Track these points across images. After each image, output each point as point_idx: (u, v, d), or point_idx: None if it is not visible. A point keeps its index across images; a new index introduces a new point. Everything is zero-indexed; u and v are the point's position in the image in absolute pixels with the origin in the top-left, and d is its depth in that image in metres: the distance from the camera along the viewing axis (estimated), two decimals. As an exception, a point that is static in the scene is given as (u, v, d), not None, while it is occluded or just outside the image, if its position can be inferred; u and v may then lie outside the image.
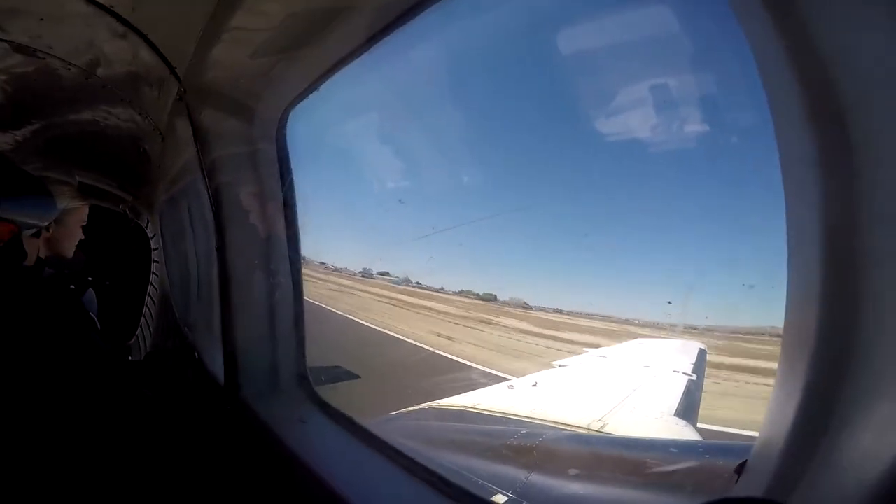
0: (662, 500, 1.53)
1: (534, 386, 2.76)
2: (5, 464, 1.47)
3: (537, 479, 1.70)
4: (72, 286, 2.50)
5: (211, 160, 1.74)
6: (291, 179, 1.77)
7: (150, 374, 2.42)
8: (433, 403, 2.54)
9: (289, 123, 1.70)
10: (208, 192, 1.77)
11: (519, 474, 1.73)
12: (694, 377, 2.59)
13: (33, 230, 1.86)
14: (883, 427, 0.53)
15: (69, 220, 2.19)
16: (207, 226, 1.92)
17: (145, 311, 3.77)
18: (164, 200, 2.97)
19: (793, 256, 0.66)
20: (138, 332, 3.77)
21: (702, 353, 2.80)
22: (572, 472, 1.80)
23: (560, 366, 3.11)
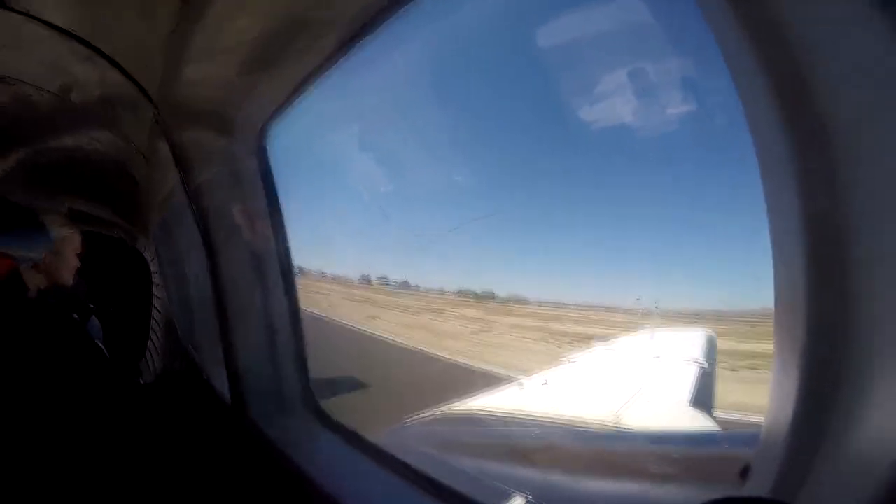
0: (684, 492, 1.50)
1: (544, 384, 2.73)
2: (22, 491, 1.47)
3: (554, 478, 1.66)
4: (75, 315, 2.50)
5: (194, 180, 1.72)
6: (278, 193, 1.74)
7: (159, 396, 2.41)
8: (443, 409, 2.51)
9: (272, 136, 1.67)
10: (194, 212, 1.75)
11: (535, 474, 1.71)
12: (706, 365, 2.55)
13: (31, 263, 1.85)
14: (882, 425, 0.53)
15: (64, 248, 2.18)
16: (200, 247, 1.90)
17: (151, 334, 3.77)
18: (157, 223, 2.96)
19: (777, 250, 0.64)
20: (145, 355, 3.78)
21: (711, 341, 2.76)
22: (590, 469, 1.77)
23: (569, 361, 3.08)
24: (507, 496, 1.49)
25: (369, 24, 1.15)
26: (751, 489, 0.72)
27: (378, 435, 1.73)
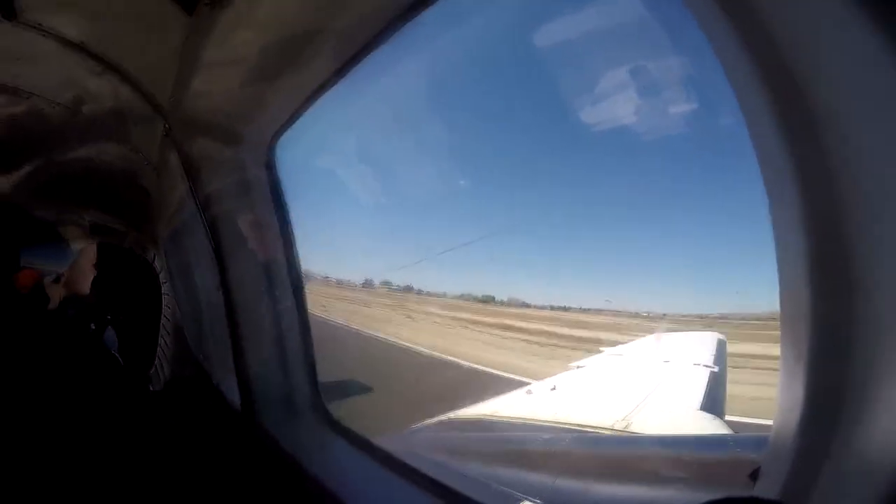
0: (695, 496, 1.49)
1: (552, 389, 2.72)
2: (34, 494, 1.49)
3: (563, 483, 1.66)
4: (92, 325, 2.54)
5: (204, 192, 1.74)
6: (288, 204, 1.76)
7: (169, 404, 2.43)
8: (452, 414, 2.51)
9: (281, 148, 1.69)
10: (204, 224, 1.77)
11: (544, 480, 1.70)
12: (716, 369, 2.54)
13: (54, 276, 1.89)
14: (890, 426, 0.52)
15: (82, 259, 2.22)
16: (210, 257, 1.92)
17: (160, 342, 3.80)
18: (167, 235, 2.99)
19: (780, 252, 0.64)
20: (156, 363, 3.80)
21: (721, 344, 2.74)
22: (599, 474, 1.76)
23: (578, 367, 3.07)
24: (517, 502, 1.48)
25: (376, 37, 1.17)
26: (761, 491, 0.72)
27: (387, 440, 1.74)
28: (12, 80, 1.62)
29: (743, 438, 1.90)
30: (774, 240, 0.65)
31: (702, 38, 0.66)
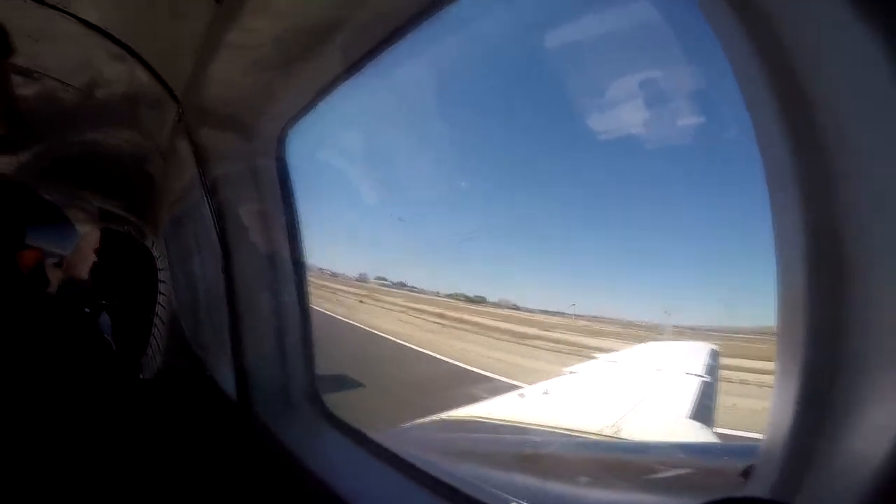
0: (683, 502, 1.51)
1: (545, 393, 2.74)
2: (23, 482, 1.48)
3: (552, 486, 1.67)
4: (87, 310, 2.52)
5: (212, 180, 1.74)
6: (294, 196, 1.77)
7: (163, 392, 2.42)
8: (444, 415, 2.52)
9: (292, 139, 1.70)
10: (211, 212, 1.78)
11: (534, 483, 1.71)
12: (707, 379, 2.57)
13: (56, 259, 1.89)
14: (880, 426, 0.54)
15: (84, 244, 2.21)
16: (212, 245, 1.92)
17: (155, 330, 3.79)
18: (168, 221, 2.99)
19: (780, 258, 0.66)
20: (149, 351, 3.79)
21: (714, 354, 2.77)
22: (587, 478, 1.77)
23: (571, 372, 3.09)
24: (506, 502, 1.50)
25: (392, 34, 1.18)
26: (752, 492, 0.73)
27: (382, 436, 1.74)
28: (27, 61, 1.62)
29: (729, 446, 1.92)
30: (775, 245, 0.66)
31: (712, 43, 0.66)
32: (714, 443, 2.12)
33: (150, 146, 2.14)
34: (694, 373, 2.63)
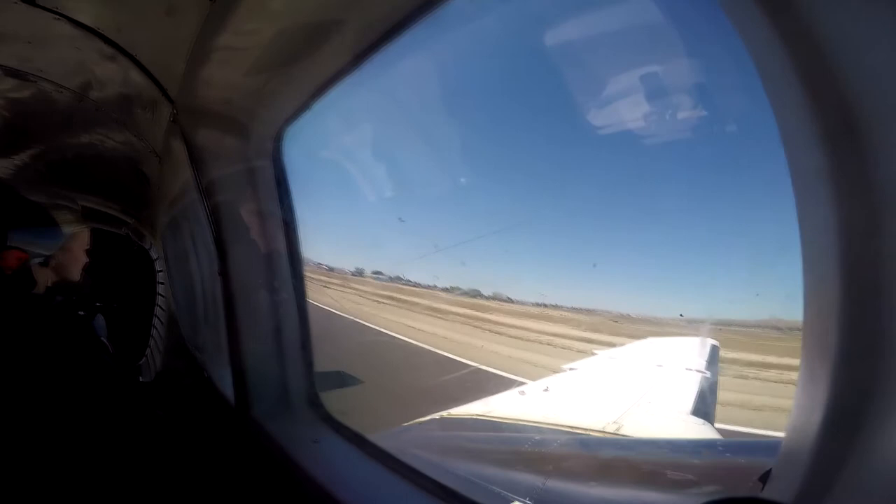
0: (682, 500, 1.50)
1: (545, 391, 2.74)
2: (24, 485, 1.47)
3: (553, 484, 1.66)
4: (81, 312, 2.50)
5: (208, 180, 1.73)
6: (290, 196, 1.75)
7: (161, 394, 2.40)
8: (444, 413, 2.51)
9: (286, 140, 1.68)
10: (206, 213, 1.76)
11: (535, 481, 1.70)
12: (708, 374, 2.56)
13: (41, 259, 1.86)
14: None
15: (73, 245, 2.19)
16: (209, 246, 1.91)
17: (153, 332, 3.77)
18: (165, 222, 2.97)
19: (807, 256, 0.63)
20: (147, 353, 3.77)
21: (714, 350, 2.76)
22: (588, 476, 1.76)
23: (571, 369, 3.09)
24: (507, 502, 1.49)
25: (386, 33, 1.17)
26: (772, 495, 0.70)
27: (380, 437, 1.73)
28: (21, 64, 1.60)
29: (733, 444, 1.91)
30: (801, 246, 0.63)
31: (733, 38, 0.64)
32: (718, 439, 2.11)
33: (146, 147, 2.13)
34: (695, 368, 2.63)
